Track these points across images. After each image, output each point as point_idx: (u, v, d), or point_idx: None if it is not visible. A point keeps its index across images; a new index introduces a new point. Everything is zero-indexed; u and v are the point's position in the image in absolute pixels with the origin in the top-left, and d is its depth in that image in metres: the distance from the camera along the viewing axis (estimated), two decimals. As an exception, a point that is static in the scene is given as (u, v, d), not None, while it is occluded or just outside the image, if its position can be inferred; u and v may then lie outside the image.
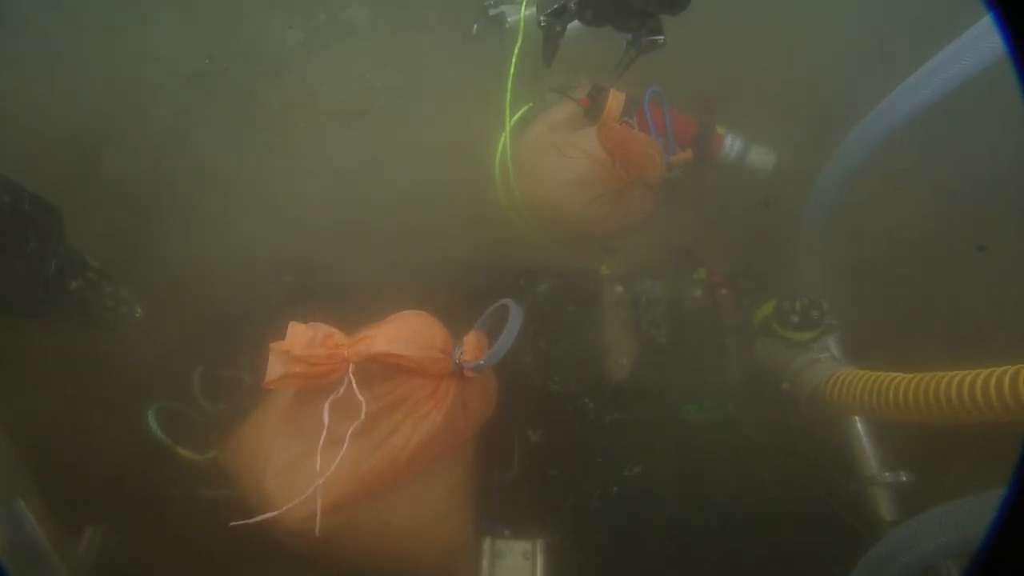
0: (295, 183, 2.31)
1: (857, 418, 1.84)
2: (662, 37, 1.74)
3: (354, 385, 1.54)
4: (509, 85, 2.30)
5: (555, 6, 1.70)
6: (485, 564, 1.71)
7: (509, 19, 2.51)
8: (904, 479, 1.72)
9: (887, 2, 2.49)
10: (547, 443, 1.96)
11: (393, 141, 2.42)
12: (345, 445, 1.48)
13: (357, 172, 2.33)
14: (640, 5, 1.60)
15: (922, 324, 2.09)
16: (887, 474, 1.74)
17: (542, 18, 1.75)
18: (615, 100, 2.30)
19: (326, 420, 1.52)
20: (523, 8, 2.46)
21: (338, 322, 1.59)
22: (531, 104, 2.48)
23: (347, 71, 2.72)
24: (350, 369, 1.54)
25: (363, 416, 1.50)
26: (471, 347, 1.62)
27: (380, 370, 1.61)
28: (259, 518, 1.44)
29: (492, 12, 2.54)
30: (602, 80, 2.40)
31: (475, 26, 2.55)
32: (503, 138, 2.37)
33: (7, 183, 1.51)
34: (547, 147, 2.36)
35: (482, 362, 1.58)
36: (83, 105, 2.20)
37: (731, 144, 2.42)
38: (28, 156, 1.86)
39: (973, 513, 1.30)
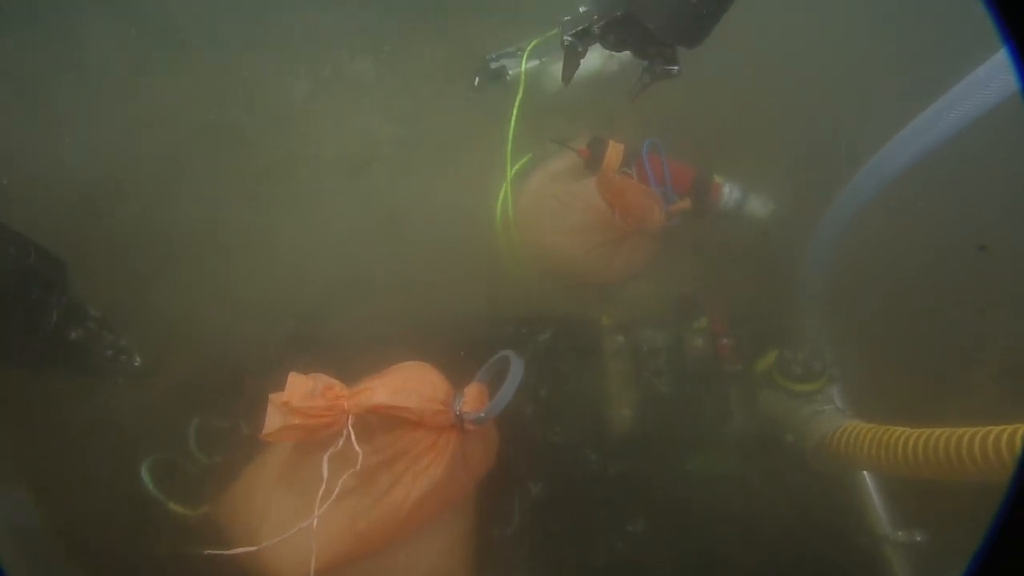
0: (298, 234, 2.33)
1: (866, 473, 1.81)
2: (676, 67, 1.80)
3: (353, 437, 1.52)
4: (510, 136, 2.35)
5: (579, 28, 1.78)
6: (486, 622, 1.65)
7: (510, 72, 2.58)
8: (919, 539, 1.67)
9: (885, 47, 2.55)
10: (549, 496, 1.92)
11: (396, 192, 2.45)
12: (335, 493, 1.44)
13: (359, 223, 2.35)
14: (659, 36, 1.65)
15: (928, 372, 2.07)
16: (900, 533, 1.69)
17: (566, 38, 1.82)
18: (614, 151, 2.35)
19: (325, 473, 1.50)
20: (524, 62, 2.53)
21: (339, 373, 1.58)
22: (531, 155, 2.52)
23: (352, 123, 2.78)
24: (350, 421, 1.53)
25: (359, 467, 1.47)
26: (472, 398, 1.60)
27: (380, 422, 1.59)
28: (253, 578, 1.40)
29: (494, 66, 2.61)
30: (602, 131, 2.45)
31: (477, 79, 2.62)
32: (504, 188, 2.41)
33: (14, 236, 1.53)
34: (547, 197, 2.39)
35: (483, 414, 1.57)
36: (91, 159, 2.24)
37: (729, 193, 2.45)
38: (36, 209, 1.88)
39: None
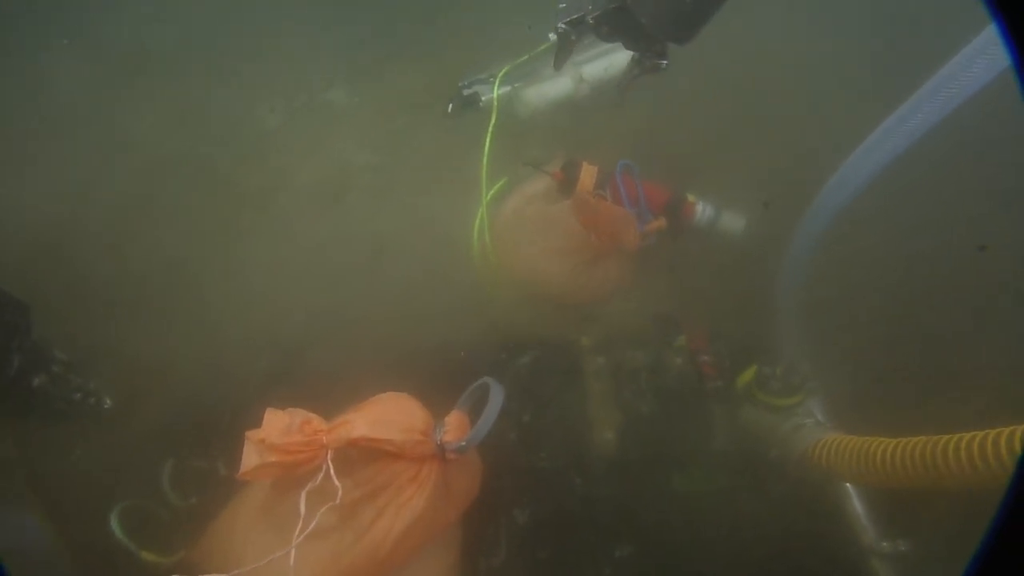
0: (273, 267, 2.31)
1: (850, 485, 1.82)
2: (665, 62, 1.85)
3: (332, 472, 1.49)
4: (485, 161, 2.37)
5: (574, 16, 1.81)
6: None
7: (483, 98, 2.60)
8: (903, 548, 1.68)
9: (854, 66, 2.62)
10: (535, 523, 1.89)
11: (372, 220, 2.45)
12: (312, 526, 1.41)
13: (336, 253, 2.34)
14: (651, 30, 1.69)
15: (907, 380, 2.09)
16: (885, 544, 1.70)
17: (561, 25, 1.85)
18: (587, 173, 2.37)
19: (302, 510, 1.47)
20: (496, 88, 2.56)
21: (317, 406, 1.56)
22: (507, 179, 2.54)
23: (327, 152, 2.78)
24: (329, 456, 1.50)
25: (338, 500, 1.44)
26: (453, 427, 1.58)
27: (361, 455, 1.56)
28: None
29: (466, 92, 2.63)
30: (575, 153, 2.48)
31: (450, 106, 2.64)
32: (480, 212, 2.41)
33: None
34: (524, 220, 2.40)
35: (464, 442, 1.55)
36: (56, 198, 2.20)
37: (702, 211, 2.48)
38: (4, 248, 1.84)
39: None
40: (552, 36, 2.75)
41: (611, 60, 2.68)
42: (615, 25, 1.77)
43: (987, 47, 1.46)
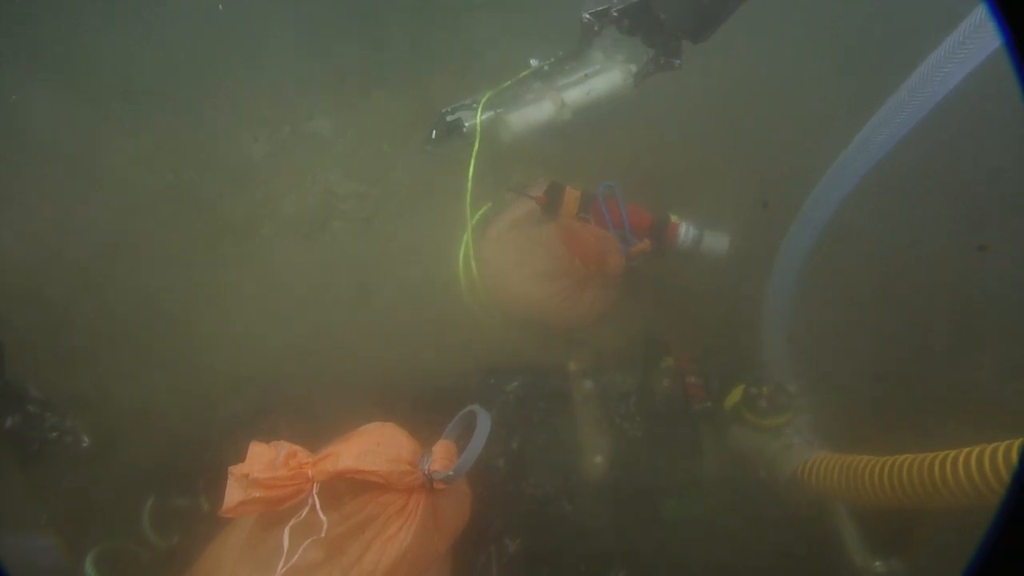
0: (256, 297, 2.29)
1: (842, 504, 1.81)
2: (678, 61, 1.95)
3: (318, 506, 1.47)
4: (469, 186, 2.38)
5: (600, 8, 1.92)
6: None
7: (466, 124, 2.62)
8: (897, 567, 1.67)
9: (835, 86, 2.68)
10: (526, 552, 1.86)
11: (357, 248, 2.45)
12: (296, 558, 1.38)
13: (321, 281, 2.33)
14: (670, 28, 1.81)
15: (897, 396, 2.09)
16: (878, 563, 1.69)
17: (586, 15, 1.95)
18: (571, 197, 2.39)
19: (286, 545, 1.44)
20: (479, 114, 2.58)
21: (302, 438, 1.53)
22: (491, 203, 2.55)
23: (311, 181, 2.78)
24: (314, 489, 1.47)
25: (323, 534, 1.42)
26: (440, 457, 1.56)
27: (347, 487, 1.54)
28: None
29: (449, 118, 2.66)
30: (558, 177, 2.50)
31: (434, 132, 2.66)
32: (465, 238, 2.42)
33: None
34: (509, 244, 2.41)
35: (452, 472, 1.53)
36: (36, 235, 2.18)
37: (686, 231, 2.50)
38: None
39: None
40: (534, 62, 2.80)
41: (592, 85, 2.73)
42: (636, 19, 1.88)
43: (952, 53, 1.51)
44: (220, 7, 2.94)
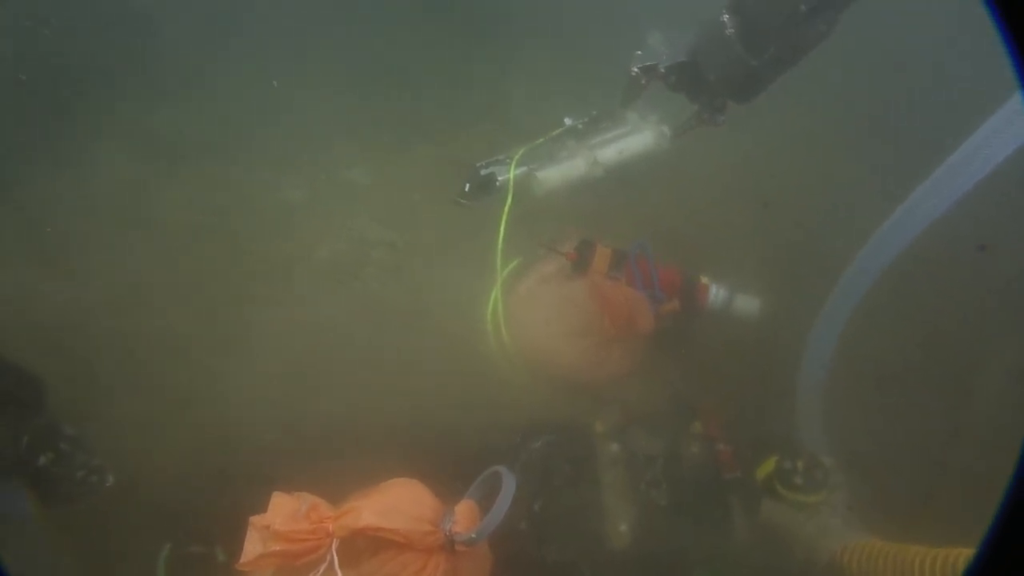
0: (289, 339, 2.31)
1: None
2: (723, 118, 1.95)
3: (336, 563, 1.43)
4: (500, 240, 2.40)
5: (647, 63, 1.95)
6: None
7: (499, 178, 2.66)
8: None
9: (865, 147, 2.67)
10: (546, 621, 1.79)
11: (386, 297, 2.47)
12: None
13: (348, 330, 2.35)
14: (715, 87, 1.83)
15: (942, 476, 1.99)
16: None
17: (634, 69, 1.98)
18: (601, 255, 2.39)
19: (302, 605, 1.40)
20: (512, 169, 2.63)
21: (324, 488, 1.51)
22: (521, 258, 2.56)
23: (345, 228, 2.84)
24: (334, 545, 1.44)
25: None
26: (463, 518, 1.53)
27: (367, 544, 1.50)
28: None
29: (483, 172, 2.70)
30: (589, 234, 2.51)
31: (467, 186, 2.70)
32: (494, 292, 2.42)
33: None
34: (538, 300, 2.40)
35: (474, 534, 1.49)
36: (77, 279, 2.25)
37: (716, 293, 2.48)
38: (18, 328, 1.86)
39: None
40: (568, 121, 2.86)
41: (624, 144, 2.77)
42: (683, 77, 1.91)
43: (998, 130, 1.50)
44: (275, 83, 3.08)
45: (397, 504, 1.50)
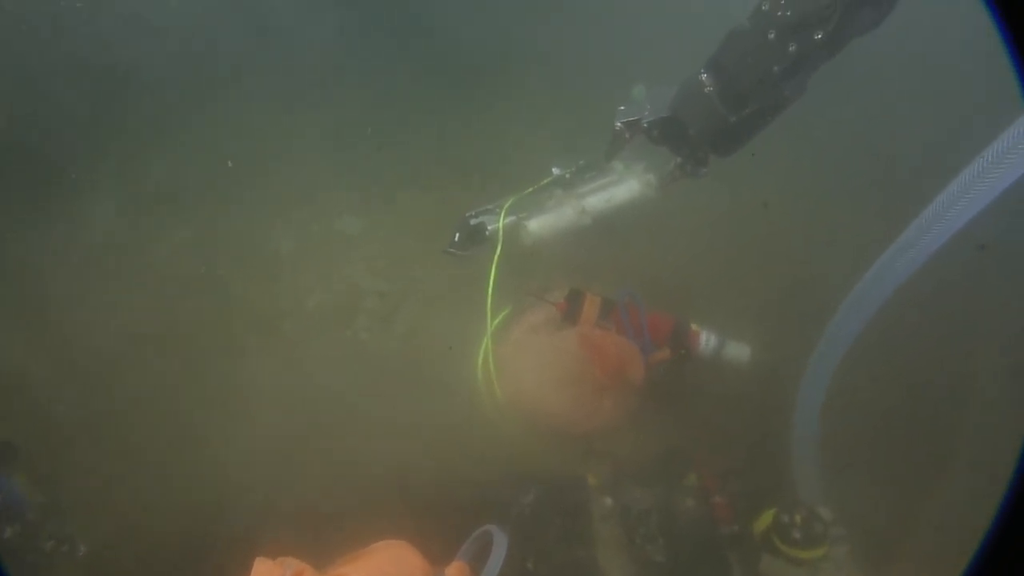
0: (277, 393, 2.28)
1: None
2: (705, 171, 2.01)
3: (320, 634, 1.37)
4: (490, 290, 2.39)
5: (631, 118, 2.00)
6: None
7: (489, 228, 2.68)
8: None
9: (855, 188, 2.71)
10: None
11: (377, 347, 2.45)
12: None
13: (338, 381, 2.31)
14: (697, 141, 1.88)
15: (948, 526, 1.94)
16: None
17: (618, 124, 2.04)
18: (591, 304, 2.39)
19: None
20: (502, 218, 2.65)
21: (310, 552, 1.46)
22: (511, 308, 2.56)
23: (337, 277, 2.84)
24: (318, 614, 1.39)
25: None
26: (453, 581, 1.47)
27: (352, 611, 1.44)
28: None
29: (473, 222, 2.72)
30: (578, 283, 2.51)
31: (457, 235, 2.72)
32: (485, 341, 2.41)
33: None
34: (528, 349, 2.39)
35: (465, 600, 1.43)
36: (70, 340, 2.22)
37: (706, 340, 2.47)
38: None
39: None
40: (556, 170, 2.90)
41: (612, 193, 2.80)
42: (665, 131, 1.96)
43: (980, 174, 1.52)
44: (229, 163, 3.10)
45: (384, 568, 1.45)
